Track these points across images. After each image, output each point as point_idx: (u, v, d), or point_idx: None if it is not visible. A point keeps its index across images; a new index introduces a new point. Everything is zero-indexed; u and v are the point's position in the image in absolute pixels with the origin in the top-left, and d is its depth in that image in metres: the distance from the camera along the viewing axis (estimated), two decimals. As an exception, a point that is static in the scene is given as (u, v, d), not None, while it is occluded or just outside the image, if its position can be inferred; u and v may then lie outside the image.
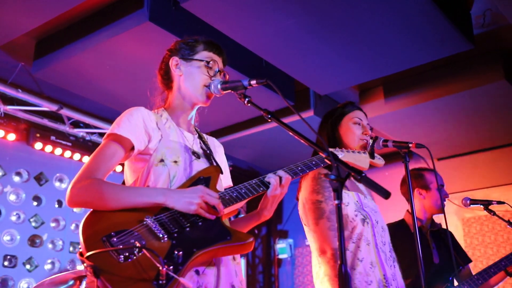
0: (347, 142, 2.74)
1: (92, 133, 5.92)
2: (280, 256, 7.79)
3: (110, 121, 5.61)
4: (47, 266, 5.59)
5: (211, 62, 2.17)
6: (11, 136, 5.33)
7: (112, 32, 4.08)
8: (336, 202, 1.64)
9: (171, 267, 1.69)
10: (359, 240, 2.48)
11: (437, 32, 4.08)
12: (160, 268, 1.64)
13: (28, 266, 5.40)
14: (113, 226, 1.78)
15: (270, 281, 7.76)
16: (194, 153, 2.11)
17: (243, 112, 5.60)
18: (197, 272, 1.86)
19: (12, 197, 5.42)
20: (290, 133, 1.90)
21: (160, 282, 1.64)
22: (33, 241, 5.52)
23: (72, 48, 4.38)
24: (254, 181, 2.03)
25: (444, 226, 3.01)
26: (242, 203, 2.03)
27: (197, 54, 2.20)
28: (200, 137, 2.27)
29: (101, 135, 5.83)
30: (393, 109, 5.49)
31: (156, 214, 1.84)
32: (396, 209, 3.75)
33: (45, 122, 5.52)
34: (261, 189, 2.01)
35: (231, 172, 7.94)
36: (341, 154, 2.33)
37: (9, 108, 5.16)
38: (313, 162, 2.18)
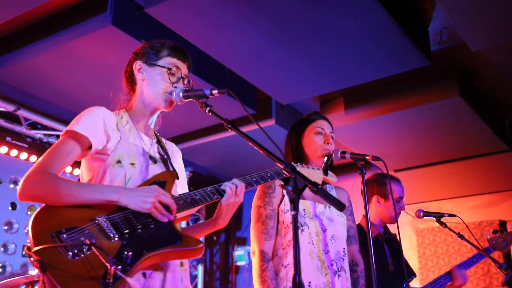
0: (309, 153, 2.80)
1: (50, 135, 5.80)
2: (238, 263, 7.79)
3: (68, 123, 5.50)
4: (-2, 271, 5.43)
5: (173, 68, 2.18)
6: (-36, 136, 5.17)
7: (74, 34, 4.03)
8: (293, 213, 1.68)
9: (120, 267, 1.69)
10: (288, 247, 2.58)
11: (397, 47, 4.20)
12: (109, 267, 1.64)
13: (-23, 270, 5.23)
14: (64, 222, 1.77)
15: (227, 288, 7.76)
16: (151, 157, 2.12)
17: (204, 119, 5.60)
18: (144, 274, 1.87)
19: (-37, 199, 5.25)
20: (250, 143, 1.93)
21: (107, 281, 1.64)
22: (-16, 244, 5.36)
23: (32, 48, 4.29)
24: (209, 188, 2.05)
25: (397, 236, 3.10)
26: (195, 209, 2.05)
27: (160, 60, 2.20)
28: (159, 142, 2.28)
29: (59, 137, 5.72)
30: (353, 120, 5.59)
31: (109, 214, 1.84)
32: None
33: (1, 122, 5.37)
34: (215, 196, 2.04)
35: (191, 178, 7.90)
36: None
37: (-36, 107, 5.02)
38: (268, 175, 2.22)
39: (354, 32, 4.02)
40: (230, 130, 2.03)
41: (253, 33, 4.05)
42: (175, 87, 2.15)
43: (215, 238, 7.95)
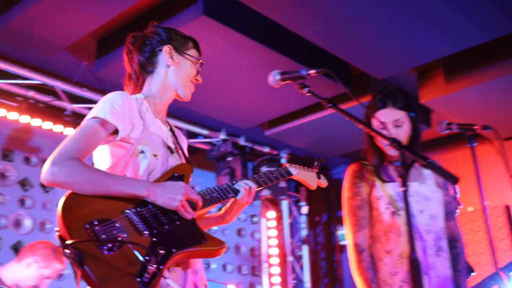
0: (381, 146, 2.63)
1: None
2: (342, 242, 7.76)
3: (173, 116, 5.72)
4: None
5: (200, 62, 2.23)
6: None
7: (168, 28, 4.17)
8: (403, 188, 1.66)
9: (155, 265, 1.70)
10: (389, 232, 2.50)
11: (498, 9, 3.94)
12: (149, 267, 1.66)
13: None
14: (94, 213, 1.75)
15: (333, 268, 7.77)
16: (168, 147, 2.10)
17: (298, 100, 5.59)
18: (168, 268, 1.88)
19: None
20: (353, 122, 1.90)
21: (145, 279, 1.65)
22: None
23: (130, 46, 4.50)
24: (224, 186, 2.10)
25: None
26: (212, 207, 2.08)
27: (189, 50, 2.21)
28: (171, 130, 2.25)
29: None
30: (454, 90, 5.32)
31: (136, 207, 1.83)
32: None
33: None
34: (231, 195, 2.10)
35: (289, 160, 7.97)
36: (295, 171, 2.44)
37: (75, 107, 5.38)
38: (273, 175, 2.30)
39: (452, -4, 3.81)
40: (330, 109, 2.00)
41: (343, 9, 3.97)
42: (197, 79, 2.21)
43: (317, 218, 7.96)
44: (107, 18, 4.18)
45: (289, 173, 2.39)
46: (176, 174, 2.01)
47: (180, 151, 2.19)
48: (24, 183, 5.43)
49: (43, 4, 3.95)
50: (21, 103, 5.14)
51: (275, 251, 7.27)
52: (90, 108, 5.41)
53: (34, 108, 5.20)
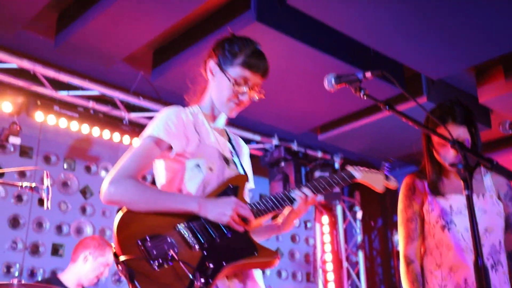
0: (439, 160, 2.57)
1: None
2: (399, 248, 7.61)
3: (232, 124, 5.80)
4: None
5: (240, 81, 2.09)
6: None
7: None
8: (466, 192, 1.62)
9: (203, 280, 1.72)
10: (441, 246, 2.50)
11: None
12: (195, 282, 1.69)
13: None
14: (146, 229, 1.83)
15: (390, 273, 7.61)
16: (225, 159, 2.10)
17: (350, 104, 5.53)
18: (226, 276, 1.90)
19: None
20: (411, 124, 1.87)
21: None
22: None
23: (185, 55, 4.60)
24: (280, 195, 2.04)
25: None
26: (267, 217, 2.05)
27: (232, 68, 2.08)
28: (229, 139, 2.25)
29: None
30: (516, 87, 5.13)
31: (187, 221, 1.88)
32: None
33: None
34: (286, 203, 2.03)
35: (342, 165, 7.85)
36: (359, 174, 2.21)
37: (133, 116, 5.53)
38: (334, 180, 2.13)
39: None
40: (388, 111, 1.98)
41: (396, 9, 3.91)
42: (240, 99, 2.10)
43: (372, 223, 7.83)
44: (162, 28, 4.29)
45: (352, 177, 2.19)
46: (231, 186, 2.04)
47: (237, 160, 2.19)
48: (85, 191, 5.64)
49: (101, 18, 4.10)
50: (81, 113, 5.35)
51: (329, 257, 7.21)
52: (147, 117, 5.59)
53: (94, 118, 5.40)
